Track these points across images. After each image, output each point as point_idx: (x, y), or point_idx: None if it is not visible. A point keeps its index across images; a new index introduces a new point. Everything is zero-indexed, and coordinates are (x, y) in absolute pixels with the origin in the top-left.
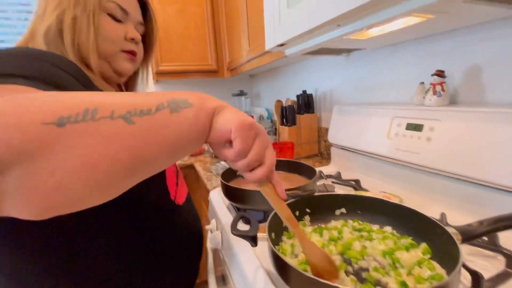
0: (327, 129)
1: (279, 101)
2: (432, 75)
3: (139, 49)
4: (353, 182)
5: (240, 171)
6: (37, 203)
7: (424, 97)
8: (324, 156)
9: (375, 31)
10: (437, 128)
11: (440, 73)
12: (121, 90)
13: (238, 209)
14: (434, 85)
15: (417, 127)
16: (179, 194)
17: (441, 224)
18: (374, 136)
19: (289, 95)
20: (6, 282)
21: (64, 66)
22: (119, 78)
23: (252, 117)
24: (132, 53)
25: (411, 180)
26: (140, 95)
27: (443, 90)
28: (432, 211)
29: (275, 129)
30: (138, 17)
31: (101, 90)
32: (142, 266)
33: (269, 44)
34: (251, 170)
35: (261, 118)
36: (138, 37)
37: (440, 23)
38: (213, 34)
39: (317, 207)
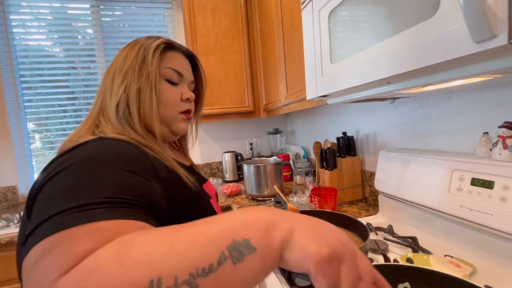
0: (371, 173)
1: (317, 143)
2: (500, 127)
3: (192, 106)
4: (410, 240)
5: None
6: None
7: (491, 150)
8: (370, 202)
9: (430, 88)
10: None
11: (509, 125)
12: (175, 145)
13: (283, 271)
14: (503, 138)
15: (486, 184)
16: None
17: None
18: (430, 188)
19: (327, 136)
20: None
21: (136, 167)
22: (175, 137)
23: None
24: (188, 112)
25: (483, 244)
26: (198, 240)
27: None
28: None
29: (314, 170)
30: (190, 77)
31: (161, 162)
32: None
33: (311, 94)
34: None
35: (297, 156)
36: (193, 96)
37: (508, 78)
38: (251, 79)
39: None
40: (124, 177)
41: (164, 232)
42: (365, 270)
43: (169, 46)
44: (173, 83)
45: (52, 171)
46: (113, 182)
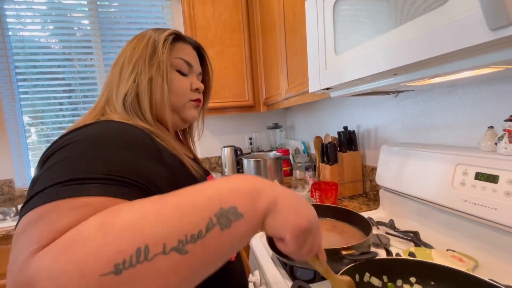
0: (372, 168)
1: (318, 137)
2: (506, 120)
3: (201, 97)
4: (412, 235)
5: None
6: None
7: (496, 144)
8: (370, 197)
9: (436, 80)
10: None
11: None
12: (178, 136)
13: (285, 264)
14: (509, 131)
15: (491, 178)
16: None
17: None
18: (433, 182)
19: (328, 130)
20: None
21: (140, 149)
22: (185, 125)
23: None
24: (198, 100)
25: (486, 239)
26: (186, 208)
27: None
28: None
29: (314, 165)
30: (199, 69)
31: (168, 150)
32: None
33: (314, 87)
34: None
35: (296, 151)
36: (202, 87)
37: None
38: (251, 72)
39: (379, 272)
40: (124, 157)
41: (151, 200)
42: (320, 240)
43: (178, 37)
44: (183, 74)
45: (55, 148)
46: (112, 160)
